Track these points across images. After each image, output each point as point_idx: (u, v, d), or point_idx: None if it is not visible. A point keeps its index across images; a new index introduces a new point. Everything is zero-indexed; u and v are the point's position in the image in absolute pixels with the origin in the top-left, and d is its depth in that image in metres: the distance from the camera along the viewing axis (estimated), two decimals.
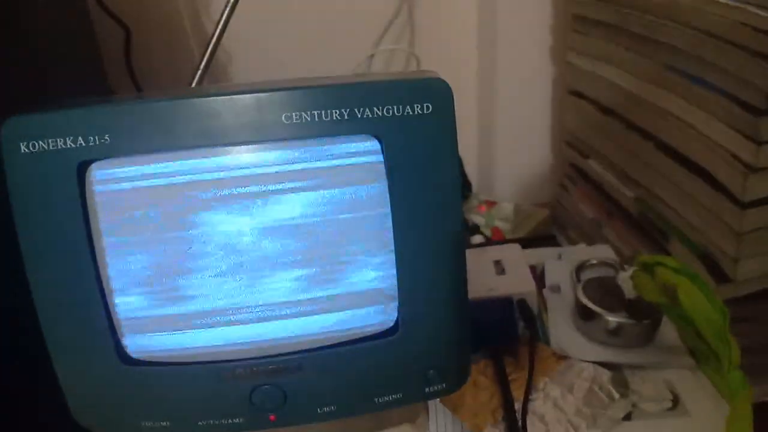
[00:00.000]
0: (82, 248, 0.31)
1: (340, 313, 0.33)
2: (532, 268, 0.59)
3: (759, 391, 0.54)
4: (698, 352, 0.46)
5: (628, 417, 0.43)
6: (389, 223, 0.32)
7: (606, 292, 0.50)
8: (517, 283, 0.54)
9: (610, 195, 0.71)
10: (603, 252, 0.61)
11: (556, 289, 0.56)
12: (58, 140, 0.30)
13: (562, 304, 0.54)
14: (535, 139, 0.93)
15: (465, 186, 0.91)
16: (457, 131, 0.32)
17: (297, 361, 0.33)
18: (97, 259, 0.32)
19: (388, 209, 0.32)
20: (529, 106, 0.90)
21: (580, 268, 0.57)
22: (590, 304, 0.49)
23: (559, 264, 0.60)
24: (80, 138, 0.30)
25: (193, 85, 0.53)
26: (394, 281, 0.33)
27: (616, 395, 0.44)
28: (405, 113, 0.31)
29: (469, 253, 0.58)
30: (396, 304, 0.33)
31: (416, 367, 0.35)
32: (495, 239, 0.69)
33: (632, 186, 0.66)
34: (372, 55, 0.81)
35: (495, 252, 0.58)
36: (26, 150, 0.30)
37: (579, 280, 0.54)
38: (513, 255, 0.58)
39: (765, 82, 0.46)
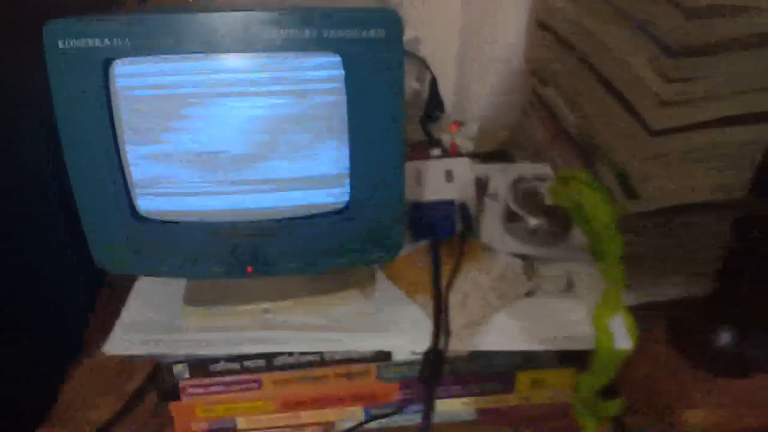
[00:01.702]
0: (105, 127, 0.41)
1: (305, 191, 0.44)
2: (479, 179, 0.69)
3: (655, 291, 0.67)
4: (594, 250, 0.57)
5: (531, 295, 0.55)
6: (345, 123, 0.42)
7: (530, 199, 0.61)
8: (460, 190, 0.64)
9: (559, 119, 0.81)
10: (541, 169, 0.72)
11: (494, 197, 0.67)
12: (88, 40, 0.39)
13: (497, 209, 0.64)
14: (508, 68, 1.01)
15: (438, 106, 1.00)
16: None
17: (269, 228, 0.44)
18: (117, 135, 0.41)
19: (345, 111, 0.41)
20: (505, 37, 0.97)
21: (517, 180, 0.68)
22: (516, 208, 0.60)
23: (502, 176, 0.70)
24: (106, 39, 0.39)
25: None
26: (347, 169, 0.43)
27: (524, 277, 0.55)
28: (362, 36, 0.39)
29: (426, 164, 0.69)
30: (348, 188, 0.44)
31: (362, 238, 0.46)
32: (451, 152, 0.78)
33: (576, 111, 0.76)
34: None
35: (448, 163, 0.68)
36: (63, 46, 0.39)
37: (513, 191, 0.65)
38: (462, 167, 0.68)
39: (676, 28, 0.54)
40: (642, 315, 0.64)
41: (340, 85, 0.41)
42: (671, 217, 0.63)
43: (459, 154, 0.78)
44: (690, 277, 0.67)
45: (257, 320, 0.52)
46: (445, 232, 0.61)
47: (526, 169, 0.72)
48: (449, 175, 0.67)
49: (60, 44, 0.39)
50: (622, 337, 0.51)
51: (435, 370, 0.50)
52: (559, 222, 0.59)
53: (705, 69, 0.54)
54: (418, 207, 0.62)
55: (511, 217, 0.61)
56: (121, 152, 0.42)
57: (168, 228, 0.44)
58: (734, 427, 0.58)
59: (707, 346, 0.61)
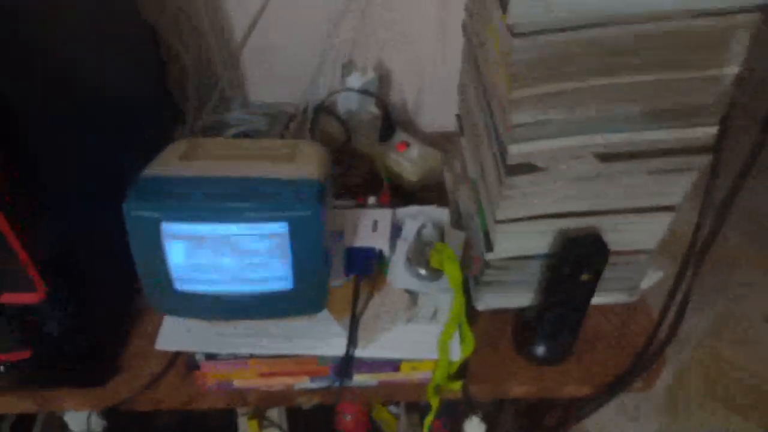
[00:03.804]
0: (158, 251, 0.75)
1: (268, 283, 0.79)
2: (396, 222, 1.03)
3: (506, 302, 1.03)
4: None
5: (410, 320, 0.91)
6: (290, 251, 0.76)
7: (421, 251, 0.95)
8: (379, 239, 0.98)
9: (465, 166, 1.12)
10: (441, 215, 1.05)
11: (405, 239, 1.01)
12: (150, 212, 0.72)
13: (403, 252, 0.99)
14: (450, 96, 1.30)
15: (390, 128, 1.30)
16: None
17: (249, 301, 0.80)
18: (165, 254, 0.76)
19: (289, 246, 0.76)
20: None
21: (421, 227, 1.01)
22: (411, 257, 0.95)
23: (412, 222, 1.03)
24: (159, 213, 0.72)
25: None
26: (291, 272, 0.78)
27: (408, 308, 0.92)
28: (299, 214, 0.73)
29: (363, 213, 1.02)
30: (293, 280, 0.79)
31: (301, 302, 0.82)
32: (382, 201, 1.11)
33: (473, 168, 1.07)
34: None
35: (376, 214, 1.02)
36: (135, 214, 0.72)
37: (417, 237, 0.99)
38: (384, 218, 1.01)
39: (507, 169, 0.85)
40: (498, 318, 1.01)
41: (287, 234, 0.75)
42: (514, 261, 0.98)
43: (390, 203, 1.10)
44: (529, 294, 1.03)
45: (244, 331, 0.89)
46: (367, 271, 0.96)
47: (431, 214, 1.05)
48: (375, 225, 1.00)
49: (132, 213, 0.72)
50: (456, 352, 0.88)
51: (347, 366, 0.89)
52: (437, 270, 0.94)
53: (526, 189, 0.87)
54: (351, 251, 0.97)
55: (409, 261, 0.96)
56: (167, 262, 0.76)
57: (192, 297, 0.80)
58: (543, 395, 0.97)
59: (530, 343, 0.99)
